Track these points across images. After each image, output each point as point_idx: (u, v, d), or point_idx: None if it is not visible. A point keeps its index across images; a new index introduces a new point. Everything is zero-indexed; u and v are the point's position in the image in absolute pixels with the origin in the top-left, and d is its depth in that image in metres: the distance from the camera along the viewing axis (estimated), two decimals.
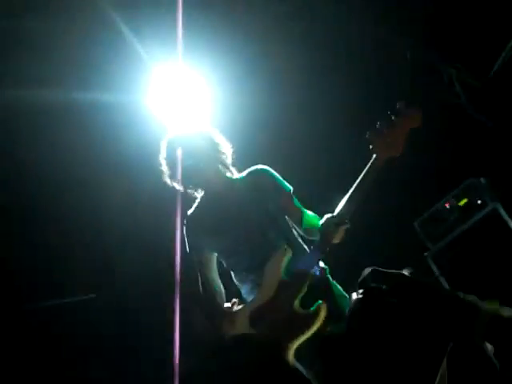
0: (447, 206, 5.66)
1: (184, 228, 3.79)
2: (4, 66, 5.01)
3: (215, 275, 3.74)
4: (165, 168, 3.76)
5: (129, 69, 5.30)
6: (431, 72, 6.27)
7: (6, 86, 4.94)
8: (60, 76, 5.12)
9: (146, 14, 5.06)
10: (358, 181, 3.24)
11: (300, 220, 3.66)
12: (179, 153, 3.64)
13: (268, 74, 5.78)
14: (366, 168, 3.22)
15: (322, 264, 3.51)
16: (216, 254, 3.77)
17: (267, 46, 5.62)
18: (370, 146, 3.17)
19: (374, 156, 3.19)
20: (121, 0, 4.96)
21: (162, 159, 3.76)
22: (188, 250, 3.75)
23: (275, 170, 3.79)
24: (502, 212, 5.32)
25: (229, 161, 3.80)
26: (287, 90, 5.87)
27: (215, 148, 3.76)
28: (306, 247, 3.65)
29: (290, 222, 3.71)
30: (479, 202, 5.48)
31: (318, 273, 3.37)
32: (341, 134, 5.85)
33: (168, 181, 3.76)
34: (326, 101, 5.88)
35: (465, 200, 5.57)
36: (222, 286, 3.73)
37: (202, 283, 3.64)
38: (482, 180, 5.58)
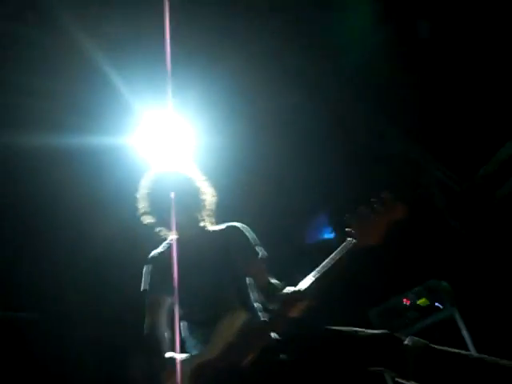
0: (406, 302, 5.69)
1: (147, 266, 3.73)
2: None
3: (164, 321, 3.66)
4: (142, 205, 3.72)
5: (118, 113, 5.43)
6: (415, 168, 6.39)
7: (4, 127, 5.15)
8: (53, 120, 5.30)
9: (136, 61, 5.20)
10: (328, 260, 3.21)
11: (263, 286, 3.61)
12: (159, 192, 3.60)
13: (253, 118, 5.93)
14: (339, 250, 3.20)
15: (273, 335, 3.48)
16: (170, 301, 3.70)
17: (252, 90, 5.75)
18: (348, 229, 3.17)
19: (351, 240, 3.18)
20: (112, 47, 5.11)
21: (141, 196, 3.73)
22: (145, 288, 3.68)
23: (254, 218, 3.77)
24: (458, 318, 5.35)
25: (208, 209, 3.76)
26: (271, 134, 6.03)
27: (196, 193, 3.72)
28: (260, 314, 3.61)
29: (252, 286, 3.66)
30: (437, 304, 5.51)
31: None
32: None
33: (143, 218, 3.72)
34: (310, 148, 5.98)
35: (424, 300, 5.60)
36: (168, 332, 3.67)
37: (151, 326, 3.57)
38: (444, 283, 5.62)
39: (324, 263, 3.23)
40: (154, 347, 3.47)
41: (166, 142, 4.87)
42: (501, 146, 6.19)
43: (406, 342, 3.01)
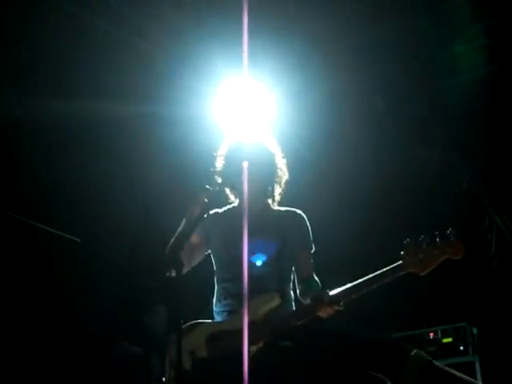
0: (431, 335, 5.65)
1: (205, 218, 3.70)
2: (81, 79, 5.44)
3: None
4: (218, 165, 3.76)
5: (196, 82, 5.52)
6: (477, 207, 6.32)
7: (83, 97, 5.40)
8: (130, 89, 5.49)
9: (213, 28, 5.25)
10: (371, 276, 3.24)
11: (304, 279, 3.66)
12: (237, 156, 3.60)
13: (329, 89, 5.89)
14: (386, 269, 3.22)
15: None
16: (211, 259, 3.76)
17: (333, 59, 5.68)
18: (402, 252, 3.19)
19: (400, 263, 3.20)
20: (189, 14, 5.19)
21: (219, 157, 3.77)
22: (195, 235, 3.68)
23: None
24: (477, 367, 5.31)
25: (279, 187, 3.81)
26: (349, 105, 5.98)
27: (273, 168, 3.77)
28: (293, 304, 3.66)
29: (293, 276, 3.71)
30: (461, 348, 5.47)
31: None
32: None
33: (216, 178, 3.75)
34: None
35: (449, 339, 5.56)
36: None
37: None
38: (475, 330, 5.57)
39: (367, 277, 3.25)
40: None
41: (245, 112, 4.85)
42: None
43: (412, 354, 3.07)
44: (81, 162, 5.80)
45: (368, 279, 3.24)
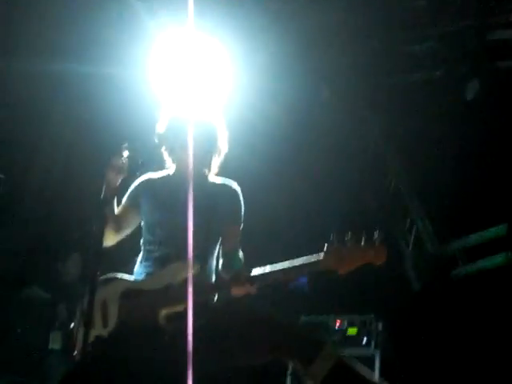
0: (337, 323, 5.70)
1: (137, 184, 3.77)
2: (8, 33, 5.16)
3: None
4: (161, 126, 3.74)
5: (132, 37, 5.22)
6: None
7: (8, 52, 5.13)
8: (55, 44, 5.22)
9: None
10: (292, 266, 3.24)
11: (228, 252, 3.69)
12: (184, 128, 3.54)
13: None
14: (306, 262, 3.22)
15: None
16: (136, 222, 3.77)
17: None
18: (325, 246, 3.17)
19: (321, 258, 3.18)
20: None
21: (164, 126, 3.75)
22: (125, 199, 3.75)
23: None
24: (377, 362, 5.40)
25: (217, 160, 3.81)
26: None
27: (214, 140, 3.77)
28: (212, 277, 3.68)
29: (218, 249, 3.72)
30: (365, 339, 5.55)
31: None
32: None
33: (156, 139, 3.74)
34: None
35: (355, 329, 5.62)
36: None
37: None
38: (380, 323, 5.66)
39: (288, 265, 3.26)
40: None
41: (188, 70, 4.55)
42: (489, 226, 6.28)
43: (325, 347, 3.12)
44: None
45: (288, 268, 3.24)
